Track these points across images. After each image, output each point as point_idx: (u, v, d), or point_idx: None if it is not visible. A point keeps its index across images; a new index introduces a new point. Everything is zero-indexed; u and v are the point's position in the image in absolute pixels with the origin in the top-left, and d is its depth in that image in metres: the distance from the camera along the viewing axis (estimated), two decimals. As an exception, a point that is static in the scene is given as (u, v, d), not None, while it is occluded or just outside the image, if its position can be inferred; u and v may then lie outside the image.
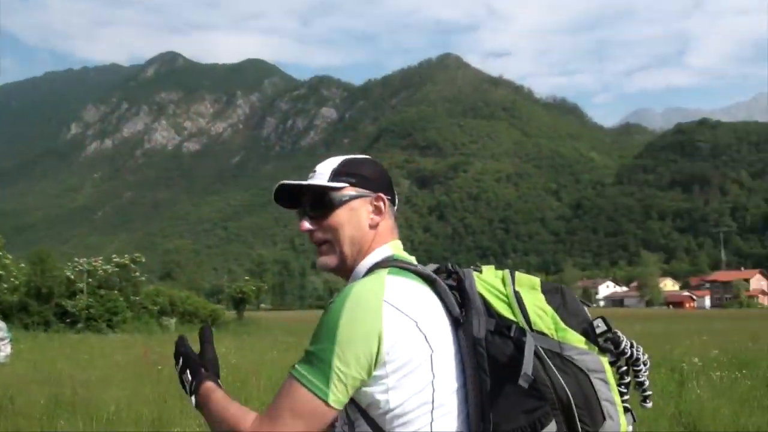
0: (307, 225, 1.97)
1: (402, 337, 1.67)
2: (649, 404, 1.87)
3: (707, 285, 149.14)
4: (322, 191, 1.95)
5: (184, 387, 1.94)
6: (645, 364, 1.83)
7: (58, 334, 31.76)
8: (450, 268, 1.90)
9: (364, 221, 1.95)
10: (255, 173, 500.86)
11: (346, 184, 1.95)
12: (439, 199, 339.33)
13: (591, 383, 1.72)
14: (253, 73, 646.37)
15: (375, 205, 1.96)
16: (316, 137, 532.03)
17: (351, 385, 1.66)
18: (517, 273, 1.89)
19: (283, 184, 2.00)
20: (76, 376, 14.24)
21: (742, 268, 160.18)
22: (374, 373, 1.66)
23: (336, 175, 1.96)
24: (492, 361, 1.71)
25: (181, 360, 1.96)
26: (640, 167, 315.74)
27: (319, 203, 1.95)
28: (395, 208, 2.07)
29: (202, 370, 1.92)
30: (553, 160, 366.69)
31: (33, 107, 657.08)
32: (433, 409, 1.69)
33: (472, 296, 1.78)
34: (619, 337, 1.80)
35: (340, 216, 1.93)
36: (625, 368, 1.83)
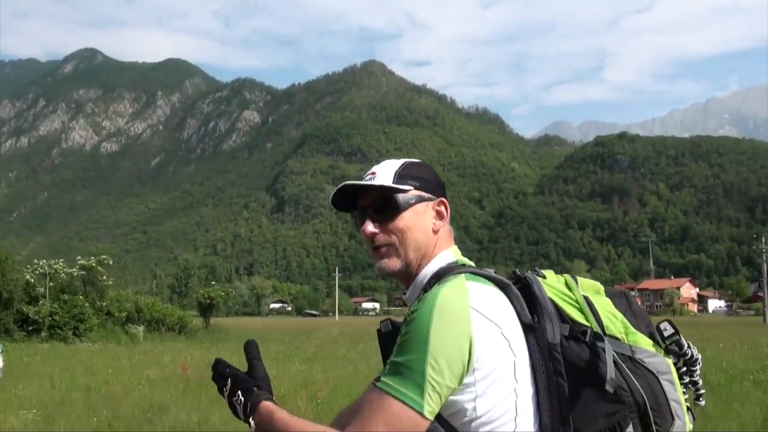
0: (371, 227, 1.89)
1: (490, 343, 1.64)
2: (703, 402, 1.97)
3: (634, 293, 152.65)
4: (387, 193, 1.89)
5: (234, 411, 1.82)
6: (699, 364, 1.92)
7: (25, 344, 29.93)
8: (518, 273, 1.89)
9: (429, 225, 1.90)
10: (175, 176, 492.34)
11: (411, 187, 1.90)
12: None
13: (660, 385, 1.77)
14: (174, 73, 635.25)
15: (437, 210, 1.93)
16: (239, 140, 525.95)
17: (444, 395, 1.61)
18: (578, 277, 1.92)
19: (348, 185, 1.93)
20: (125, 395, 13.17)
21: (672, 277, 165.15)
22: (464, 381, 1.63)
23: (399, 177, 1.90)
24: (569, 366, 1.72)
25: (229, 381, 1.83)
26: (560, 178, 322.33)
27: (385, 205, 1.89)
28: (449, 214, 1.97)
29: (256, 389, 1.82)
30: (475, 169, 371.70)
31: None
32: (516, 415, 1.68)
33: (544, 301, 1.79)
34: (682, 339, 1.88)
35: (406, 219, 1.88)
36: (684, 369, 1.91)
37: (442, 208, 1.92)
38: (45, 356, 24.02)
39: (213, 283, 63.44)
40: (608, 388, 1.67)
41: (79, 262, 38.02)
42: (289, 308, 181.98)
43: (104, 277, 37.95)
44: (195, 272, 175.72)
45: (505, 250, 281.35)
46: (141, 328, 36.07)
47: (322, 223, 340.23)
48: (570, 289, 1.85)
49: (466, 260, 1.91)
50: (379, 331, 1.92)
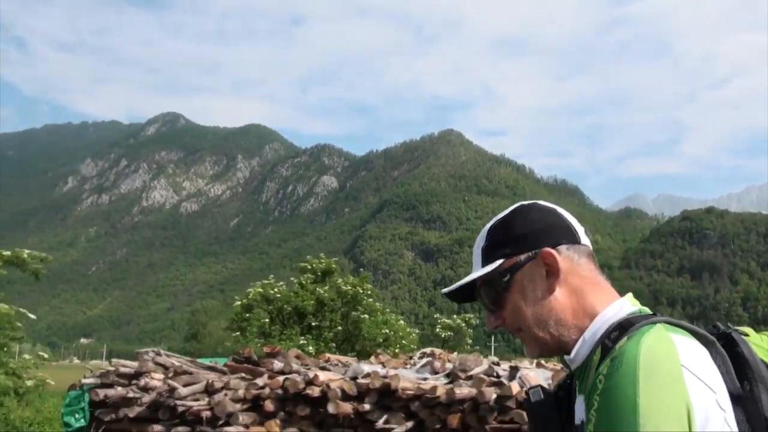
0: (492, 321, 1.64)
1: (708, 415, 1.27)
2: None
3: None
4: (484, 283, 1.62)
5: None
6: None
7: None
8: (719, 328, 1.49)
9: (541, 292, 1.57)
10: (253, 237, 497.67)
11: (500, 260, 1.59)
12: (443, 273, 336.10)
13: None
14: (254, 138, 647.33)
15: (546, 265, 1.57)
16: (317, 204, 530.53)
17: None
18: None
19: (447, 293, 1.69)
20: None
21: None
22: None
23: (488, 254, 1.61)
24: None
25: None
26: (647, 252, 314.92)
27: (488, 294, 1.62)
28: (586, 244, 1.63)
29: None
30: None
31: (30, 159, 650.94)
32: None
33: (756, 365, 1.39)
34: None
35: (514, 299, 1.59)
36: None
37: (551, 260, 1.56)
38: None
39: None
40: None
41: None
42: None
43: None
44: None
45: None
46: None
47: (401, 289, 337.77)
48: None
49: (647, 310, 1.58)
50: (526, 401, 1.62)
